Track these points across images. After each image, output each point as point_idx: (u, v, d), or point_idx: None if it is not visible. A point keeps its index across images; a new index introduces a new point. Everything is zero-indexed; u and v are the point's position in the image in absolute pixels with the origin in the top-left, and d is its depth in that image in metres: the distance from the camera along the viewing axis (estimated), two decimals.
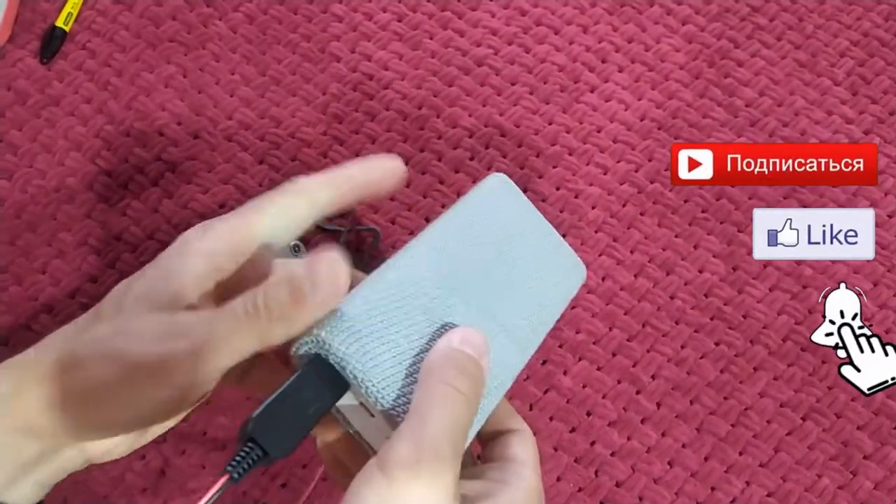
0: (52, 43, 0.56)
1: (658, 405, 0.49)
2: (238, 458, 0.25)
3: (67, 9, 0.57)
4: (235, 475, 0.25)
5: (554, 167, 0.55)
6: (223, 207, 0.52)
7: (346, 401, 0.29)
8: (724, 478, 0.48)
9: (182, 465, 0.46)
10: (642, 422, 0.49)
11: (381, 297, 0.29)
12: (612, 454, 0.48)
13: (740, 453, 0.48)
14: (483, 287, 0.32)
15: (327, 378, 0.27)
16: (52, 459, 0.28)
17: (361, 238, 0.52)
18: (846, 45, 0.60)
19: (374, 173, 0.31)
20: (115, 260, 0.51)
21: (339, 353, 0.27)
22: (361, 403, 0.29)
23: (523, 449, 0.30)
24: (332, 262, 0.26)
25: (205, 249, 0.29)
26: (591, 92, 0.57)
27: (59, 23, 0.56)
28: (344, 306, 0.28)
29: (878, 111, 0.58)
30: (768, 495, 0.47)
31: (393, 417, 0.27)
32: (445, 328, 0.30)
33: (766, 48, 0.60)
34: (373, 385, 0.27)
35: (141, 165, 0.53)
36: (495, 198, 0.37)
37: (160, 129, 0.54)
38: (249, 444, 0.26)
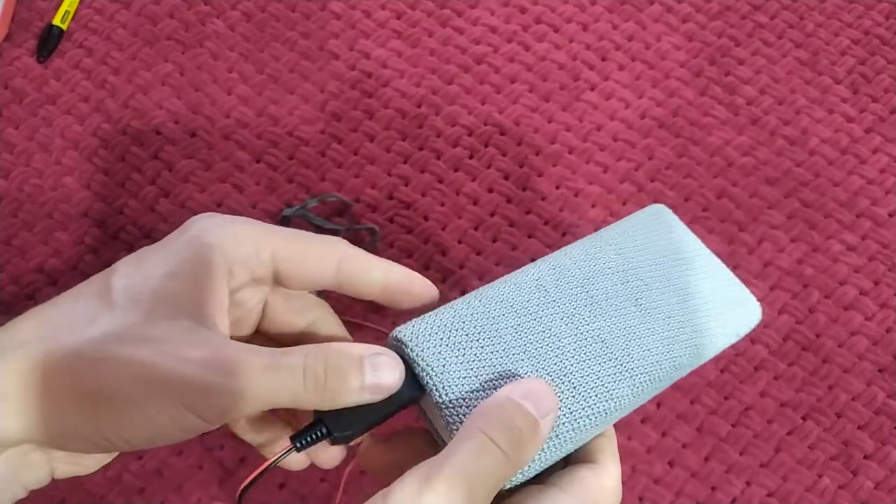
0: (49, 41, 0.55)
1: (658, 405, 0.49)
2: (304, 431, 0.27)
3: (64, 7, 0.56)
4: (298, 445, 0.27)
5: (554, 165, 0.55)
6: (220, 206, 0.52)
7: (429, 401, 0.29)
8: (724, 478, 0.47)
9: (179, 465, 0.46)
10: (642, 422, 0.48)
11: (471, 312, 0.29)
12: None
13: (741, 453, 0.48)
14: (601, 315, 0.30)
15: (407, 378, 0.28)
16: (12, 473, 0.25)
17: (360, 237, 0.52)
18: (847, 44, 0.60)
19: (415, 287, 0.31)
20: (111, 259, 0.50)
21: (416, 357, 0.28)
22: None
23: (577, 479, 0.28)
24: (395, 365, 0.27)
25: (238, 264, 0.27)
26: (592, 90, 0.57)
27: (56, 21, 0.56)
28: (431, 315, 0.29)
29: (879, 109, 0.58)
30: (769, 495, 0.47)
31: (452, 433, 0.27)
32: (537, 357, 0.28)
33: (766, 46, 0.59)
34: (443, 394, 0.27)
35: (138, 164, 0.53)
36: (645, 226, 0.34)
37: (157, 128, 0.54)
38: (316, 422, 0.27)
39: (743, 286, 0.34)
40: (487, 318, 0.29)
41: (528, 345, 0.29)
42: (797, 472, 0.48)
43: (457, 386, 0.27)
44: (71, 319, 0.25)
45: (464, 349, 0.28)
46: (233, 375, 0.24)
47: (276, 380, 0.25)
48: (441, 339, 0.28)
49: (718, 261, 0.34)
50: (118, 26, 0.57)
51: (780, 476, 0.48)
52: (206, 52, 0.56)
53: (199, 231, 0.27)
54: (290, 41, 0.57)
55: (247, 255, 0.27)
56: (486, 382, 0.28)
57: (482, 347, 0.28)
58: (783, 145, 0.56)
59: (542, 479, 0.28)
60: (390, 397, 0.27)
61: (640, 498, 0.47)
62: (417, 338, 0.28)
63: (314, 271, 0.29)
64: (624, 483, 0.47)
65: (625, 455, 0.48)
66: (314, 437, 0.27)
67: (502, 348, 0.28)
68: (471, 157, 0.55)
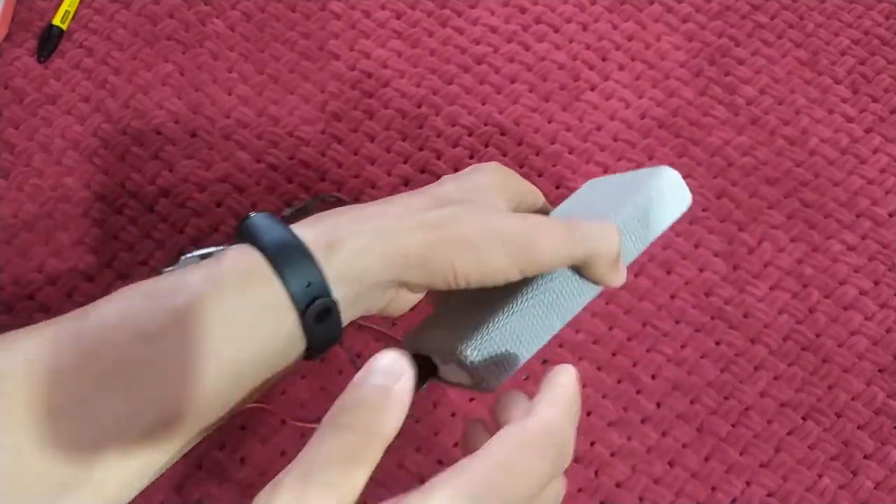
0: (50, 41, 0.55)
1: (658, 405, 0.49)
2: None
3: (64, 7, 0.56)
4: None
5: (554, 165, 0.55)
6: (220, 206, 0.52)
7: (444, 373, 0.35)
8: (724, 478, 0.47)
9: (179, 465, 0.46)
10: (642, 422, 0.48)
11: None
12: (612, 454, 0.48)
13: (741, 453, 0.48)
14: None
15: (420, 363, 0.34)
16: (369, 301, 0.34)
17: None
18: (847, 44, 0.60)
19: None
20: (111, 259, 0.50)
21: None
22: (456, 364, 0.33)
23: (499, 436, 0.27)
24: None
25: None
26: (592, 90, 0.57)
27: (57, 21, 0.56)
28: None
29: (879, 109, 0.58)
30: (769, 495, 0.47)
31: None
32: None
33: (766, 46, 0.59)
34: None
35: (138, 164, 0.53)
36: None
37: (157, 128, 0.54)
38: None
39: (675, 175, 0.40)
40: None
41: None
42: (797, 472, 0.48)
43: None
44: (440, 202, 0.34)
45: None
46: (551, 237, 0.33)
47: (582, 244, 0.33)
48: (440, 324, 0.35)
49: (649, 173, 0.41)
50: (118, 26, 0.57)
51: (780, 476, 0.48)
52: (207, 52, 0.56)
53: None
54: (290, 41, 0.57)
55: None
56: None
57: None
58: (783, 145, 0.56)
59: None
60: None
61: (640, 498, 0.47)
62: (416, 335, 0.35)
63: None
64: (624, 483, 0.47)
65: (625, 455, 0.48)
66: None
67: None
68: (471, 157, 0.55)
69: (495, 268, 0.32)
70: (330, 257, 0.30)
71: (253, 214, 0.32)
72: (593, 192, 0.41)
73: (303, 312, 0.30)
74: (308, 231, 0.31)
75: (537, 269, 0.33)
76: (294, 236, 0.30)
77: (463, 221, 0.32)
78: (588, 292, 0.35)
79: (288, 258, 0.30)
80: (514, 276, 0.32)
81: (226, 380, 0.30)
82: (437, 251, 0.31)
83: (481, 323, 0.33)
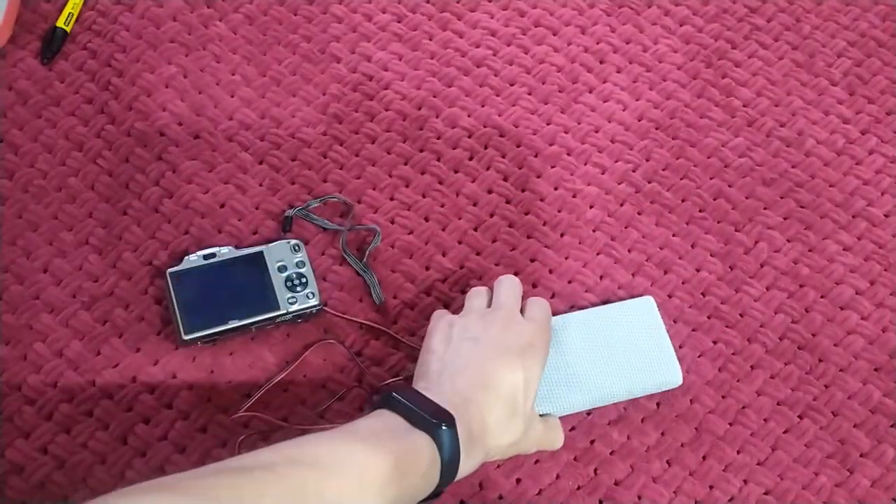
0: (53, 43, 0.56)
1: (658, 404, 0.49)
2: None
3: (68, 9, 0.57)
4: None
5: (552, 167, 0.55)
6: (224, 207, 0.53)
7: None
8: (722, 476, 0.48)
9: (183, 462, 0.46)
10: (642, 421, 0.49)
11: None
12: (612, 453, 0.48)
13: (738, 452, 0.48)
14: (580, 361, 0.48)
15: None
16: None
17: (361, 237, 0.53)
18: (843, 46, 0.60)
19: None
20: (116, 259, 0.51)
21: None
22: None
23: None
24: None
25: None
26: (590, 92, 0.58)
27: (60, 23, 0.56)
28: None
29: (876, 111, 0.58)
30: (766, 493, 0.47)
31: None
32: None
33: (763, 49, 0.60)
34: None
35: (142, 165, 0.53)
36: (629, 309, 0.50)
37: (161, 130, 0.55)
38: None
39: (673, 358, 0.49)
40: None
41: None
42: (794, 470, 0.48)
43: None
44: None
45: None
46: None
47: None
48: None
49: (667, 339, 0.49)
50: (122, 29, 0.57)
51: (776, 474, 0.48)
52: (209, 55, 0.57)
53: None
54: (292, 44, 0.58)
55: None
56: None
57: None
58: (779, 147, 0.57)
59: None
60: None
61: (638, 496, 0.47)
62: None
63: None
64: (623, 481, 0.48)
65: (624, 454, 0.48)
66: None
67: None
68: (470, 158, 0.55)
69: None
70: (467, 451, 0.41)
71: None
72: (603, 342, 0.49)
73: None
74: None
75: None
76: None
77: (531, 438, 0.44)
78: None
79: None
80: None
81: None
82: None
83: None
